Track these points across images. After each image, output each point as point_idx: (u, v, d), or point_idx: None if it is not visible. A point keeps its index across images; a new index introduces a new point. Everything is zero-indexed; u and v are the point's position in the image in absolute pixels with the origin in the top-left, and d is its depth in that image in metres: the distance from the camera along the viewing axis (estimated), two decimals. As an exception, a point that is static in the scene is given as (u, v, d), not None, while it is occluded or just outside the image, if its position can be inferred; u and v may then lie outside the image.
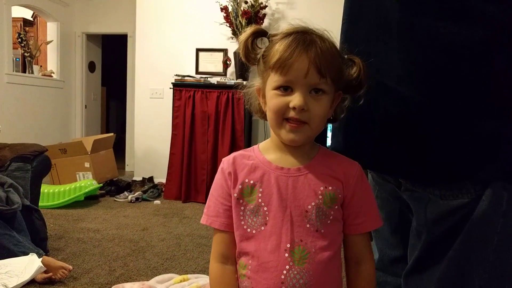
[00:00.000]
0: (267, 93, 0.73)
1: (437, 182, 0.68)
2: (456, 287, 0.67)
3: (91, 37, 5.53)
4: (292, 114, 0.69)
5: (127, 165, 5.09)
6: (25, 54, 4.69)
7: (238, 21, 3.66)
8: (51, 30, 5.09)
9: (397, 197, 0.82)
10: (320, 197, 0.73)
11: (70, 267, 1.87)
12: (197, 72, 3.96)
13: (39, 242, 2.06)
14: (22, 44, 4.62)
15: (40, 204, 2.56)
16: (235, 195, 0.75)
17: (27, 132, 4.46)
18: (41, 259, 1.78)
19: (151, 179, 3.99)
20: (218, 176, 0.79)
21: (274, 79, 0.70)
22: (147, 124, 4.20)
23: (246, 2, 3.67)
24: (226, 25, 3.76)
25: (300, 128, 0.70)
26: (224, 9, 3.71)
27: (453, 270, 0.67)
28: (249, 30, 0.74)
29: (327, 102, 0.71)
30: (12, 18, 4.43)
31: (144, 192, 3.63)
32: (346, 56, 0.74)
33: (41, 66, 5.05)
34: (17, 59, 4.75)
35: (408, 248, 0.83)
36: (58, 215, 2.98)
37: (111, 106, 7.24)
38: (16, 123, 4.40)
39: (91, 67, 5.68)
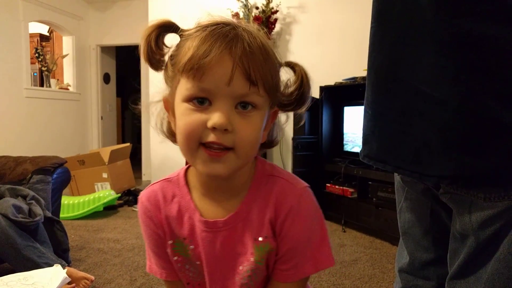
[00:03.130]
0: (177, 106, 0.54)
1: (484, 184, 0.64)
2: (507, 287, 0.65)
3: (105, 49, 5.62)
4: (211, 137, 0.51)
5: (144, 174, 5.13)
6: (42, 68, 4.80)
7: (250, 27, 3.67)
8: (67, 44, 5.20)
9: (429, 195, 0.79)
10: (251, 255, 0.60)
11: (92, 277, 1.88)
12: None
13: (61, 253, 2.08)
14: (40, 59, 4.72)
15: (60, 215, 2.59)
16: (168, 250, 0.63)
17: (46, 144, 4.54)
18: (65, 270, 1.80)
19: (168, 187, 4.02)
20: (144, 219, 0.64)
21: (185, 87, 0.52)
22: (163, 133, 4.23)
23: (257, 8, 3.68)
24: (238, 32, 3.78)
25: (222, 156, 0.52)
26: (236, 15, 3.73)
27: (502, 272, 0.64)
28: (152, 23, 0.56)
29: (259, 121, 0.54)
30: (29, 34, 4.54)
31: (162, 200, 3.66)
32: (283, 62, 0.58)
33: (58, 79, 5.15)
34: (35, 74, 4.86)
35: (439, 250, 0.83)
36: (78, 226, 3.01)
37: (126, 116, 7.34)
38: (36, 136, 4.48)
39: (106, 78, 5.77)
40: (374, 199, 2.71)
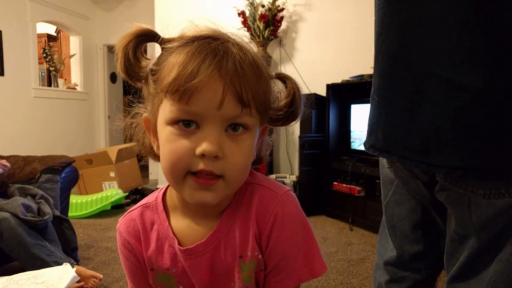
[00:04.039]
0: (160, 129, 0.49)
1: (498, 177, 0.60)
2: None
3: (111, 49, 5.60)
4: (200, 166, 0.47)
5: (151, 173, 5.16)
6: (50, 68, 4.83)
7: (256, 25, 3.66)
8: (74, 44, 5.23)
9: (421, 194, 0.78)
10: (238, 273, 0.56)
11: (101, 276, 1.89)
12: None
13: (70, 252, 2.10)
14: (47, 59, 4.76)
15: (69, 214, 2.61)
16: (150, 281, 0.60)
17: (54, 144, 4.58)
18: (74, 268, 1.81)
19: (175, 186, 4.03)
20: (124, 251, 0.60)
21: (169, 109, 0.47)
22: (169, 132, 4.24)
23: (263, 6, 3.67)
24: (244, 30, 3.77)
25: (212, 184, 0.48)
26: (242, 14, 3.72)
27: (506, 273, 0.62)
28: (130, 31, 0.50)
29: (251, 142, 0.50)
30: (37, 34, 4.57)
31: (169, 199, 3.66)
32: (273, 74, 0.54)
33: (65, 79, 5.19)
34: (43, 74, 4.90)
35: (429, 242, 0.83)
36: (86, 225, 3.03)
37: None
38: (44, 135, 4.52)
39: (113, 78, 5.79)
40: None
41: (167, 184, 0.58)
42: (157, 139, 0.51)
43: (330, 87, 3.10)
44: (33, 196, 2.07)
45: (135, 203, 2.68)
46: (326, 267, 0.58)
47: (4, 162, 2.14)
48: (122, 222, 0.61)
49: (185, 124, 0.47)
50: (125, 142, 5.93)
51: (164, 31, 0.54)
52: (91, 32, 5.37)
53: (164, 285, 0.59)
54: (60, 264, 1.83)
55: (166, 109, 0.47)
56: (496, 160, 0.59)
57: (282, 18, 3.71)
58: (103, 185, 3.81)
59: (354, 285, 1.93)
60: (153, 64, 0.50)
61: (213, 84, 0.45)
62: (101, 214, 3.32)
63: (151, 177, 5.12)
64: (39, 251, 1.85)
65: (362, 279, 2.01)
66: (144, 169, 4.90)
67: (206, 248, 0.55)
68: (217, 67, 0.45)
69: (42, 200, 2.05)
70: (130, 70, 0.51)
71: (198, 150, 0.46)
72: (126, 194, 3.65)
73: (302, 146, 3.22)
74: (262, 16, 3.62)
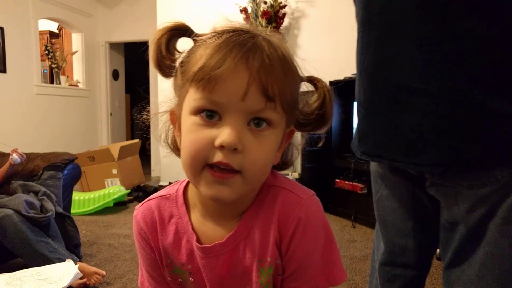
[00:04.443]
0: (184, 120, 0.49)
1: (473, 170, 0.67)
2: (499, 268, 0.67)
3: (113, 46, 5.65)
4: (218, 157, 0.45)
5: (153, 170, 5.16)
6: (52, 65, 4.84)
7: (258, 22, 3.65)
8: (76, 40, 5.23)
9: (412, 183, 0.83)
10: (257, 278, 0.54)
11: (104, 272, 1.89)
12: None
13: (73, 249, 2.11)
14: (49, 56, 4.76)
15: (71, 211, 2.62)
16: (166, 273, 0.59)
17: (57, 141, 4.59)
18: (77, 265, 1.82)
19: (177, 183, 4.03)
20: (139, 240, 0.59)
21: (193, 97, 0.47)
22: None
23: (265, 2, 3.66)
24: (246, 27, 3.76)
25: (228, 179, 0.46)
26: (244, 10, 3.71)
27: (494, 253, 0.67)
28: (164, 26, 0.50)
29: (274, 141, 0.49)
30: (39, 31, 4.57)
31: (171, 196, 3.67)
32: (304, 77, 0.53)
33: (67, 76, 5.19)
34: (45, 71, 4.90)
35: (419, 236, 0.87)
36: (89, 222, 3.04)
37: (135, 112, 7.37)
38: (46, 132, 4.53)
39: (115, 75, 5.79)
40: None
41: (186, 180, 0.58)
42: (181, 133, 0.51)
43: (332, 84, 3.07)
44: (36, 193, 2.08)
45: (138, 200, 2.70)
46: (345, 275, 0.57)
47: (20, 152, 2.16)
48: (139, 210, 0.59)
49: (208, 115, 0.46)
50: (127, 139, 5.95)
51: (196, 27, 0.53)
52: (93, 29, 5.36)
53: (178, 276, 0.59)
54: (63, 260, 1.83)
55: (191, 98, 0.47)
56: (472, 154, 0.66)
57: (284, 14, 3.69)
58: (106, 182, 3.82)
59: (357, 282, 1.93)
60: (184, 56, 0.51)
61: (238, 75, 0.44)
62: (104, 211, 3.33)
63: (153, 174, 5.13)
64: (42, 248, 1.86)
65: (365, 276, 2.00)
66: (147, 166, 4.90)
67: (224, 249, 0.54)
68: (243, 58, 0.45)
69: (44, 197, 2.06)
70: (162, 63, 0.51)
71: (217, 141, 0.45)
72: (129, 191, 3.65)
73: (304, 143, 3.22)
74: (264, 13, 3.61)
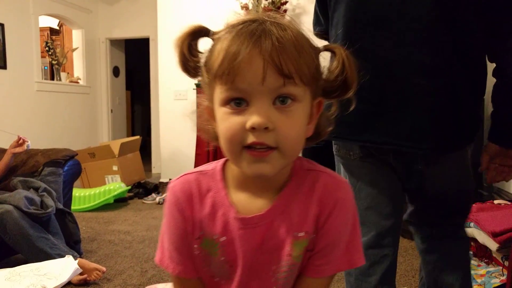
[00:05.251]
0: (216, 112, 0.54)
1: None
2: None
3: (114, 42, 5.63)
4: (252, 138, 0.50)
5: (154, 167, 5.16)
6: (53, 62, 4.83)
7: (259, 19, 3.64)
8: (76, 37, 5.22)
9: (388, 166, 0.98)
10: (290, 251, 0.58)
11: (104, 268, 1.89)
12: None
13: (73, 245, 2.11)
14: (50, 53, 4.75)
15: (72, 207, 2.62)
16: (195, 246, 0.61)
17: (57, 137, 4.59)
18: (77, 261, 1.82)
19: (177, 180, 4.02)
20: (173, 211, 0.60)
21: (220, 91, 0.52)
22: (172, 126, 4.23)
23: (266, -1, 3.64)
24: (247, 23, 3.75)
25: (267, 156, 0.51)
26: (245, 7, 3.70)
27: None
28: (184, 31, 0.55)
29: (302, 114, 0.53)
30: (40, 27, 4.56)
31: (172, 193, 3.66)
32: (321, 46, 0.56)
33: (68, 73, 5.19)
34: (45, 67, 4.89)
35: (397, 216, 1.02)
36: (89, 218, 3.04)
37: (136, 109, 7.38)
38: (46, 129, 4.53)
39: (116, 71, 5.79)
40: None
41: (223, 160, 0.62)
42: (216, 123, 0.56)
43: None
44: (36, 189, 2.08)
45: (138, 197, 2.70)
46: (364, 260, 0.62)
47: (22, 137, 2.17)
48: (176, 182, 0.62)
49: (236, 103, 0.51)
50: (128, 136, 5.96)
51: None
52: (94, 25, 5.35)
53: (208, 252, 0.61)
54: (63, 256, 1.83)
55: (218, 92, 0.52)
56: (455, 138, 0.91)
57: (285, 11, 3.68)
58: (106, 178, 3.82)
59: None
60: (206, 57, 0.55)
61: (253, 62, 0.48)
62: (104, 207, 3.33)
63: (154, 170, 5.13)
64: (43, 244, 1.86)
65: (365, 273, 2.00)
66: (147, 162, 4.91)
67: (262, 221, 0.58)
68: (255, 45, 0.48)
69: (45, 193, 2.06)
70: (188, 66, 0.56)
71: (248, 124, 0.49)
72: (129, 187, 3.66)
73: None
74: (265, 10, 3.59)
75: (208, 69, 0.54)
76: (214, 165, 0.62)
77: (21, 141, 2.15)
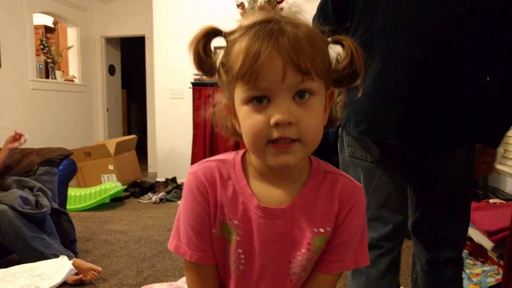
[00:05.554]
0: (238, 110, 0.56)
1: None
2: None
3: (109, 41, 5.60)
4: (276, 134, 0.52)
5: (150, 166, 5.15)
6: (48, 60, 4.79)
7: (255, 17, 3.63)
8: (71, 35, 5.18)
9: (399, 166, 1.07)
10: (309, 245, 0.61)
11: (100, 268, 1.88)
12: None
13: (69, 245, 2.09)
14: (45, 51, 4.71)
15: (67, 207, 2.60)
16: (214, 231, 0.62)
17: (52, 136, 4.55)
18: (71, 261, 1.80)
19: (174, 179, 4.01)
20: (195, 194, 0.61)
21: (242, 90, 0.54)
22: (168, 125, 4.22)
23: (262, -2, 3.64)
24: (243, 22, 3.74)
25: (290, 148, 0.54)
26: (241, 5, 3.69)
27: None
28: (198, 32, 0.56)
29: (319, 106, 0.56)
30: (34, 25, 4.53)
31: (168, 192, 3.65)
32: (330, 39, 0.59)
33: (63, 71, 5.15)
34: (40, 66, 4.86)
35: (405, 212, 1.12)
36: (85, 218, 3.02)
37: (132, 108, 7.34)
38: (41, 128, 4.50)
39: (111, 70, 5.75)
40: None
41: (241, 150, 0.64)
42: (238, 120, 0.58)
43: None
44: (31, 189, 2.06)
45: (134, 196, 2.68)
46: (368, 261, 0.66)
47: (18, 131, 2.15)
48: (199, 167, 0.63)
49: (258, 100, 0.53)
50: (124, 135, 5.93)
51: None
52: (89, 23, 5.32)
53: (226, 238, 0.62)
54: (58, 256, 1.82)
55: (240, 91, 0.54)
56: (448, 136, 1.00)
57: (281, 9, 3.67)
58: (102, 178, 3.80)
59: (343, 277, 1.93)
60: (222, 57, 0.57)
61: (274, 62, 0.51)
62: (100, 207, 3.31)
63: (150, 170, 5.11)
64: (37, 244, 1.84)
65: (361, 272, 2.00)
66: (143, 162, 4.89)
67: (283, 214, 0.60)
68: (274, 46, 0.51)
69: (39, 193, 2.04)
70: (204, 66, 0.57)
71: (272, 121, 0.52)
72: (125, 187, 3.64)
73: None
74: (261, 8, 3.58)
75: (227, 69, 0.55)
76: (233, 155, 0.64)
77: (17, 136, 2.13)
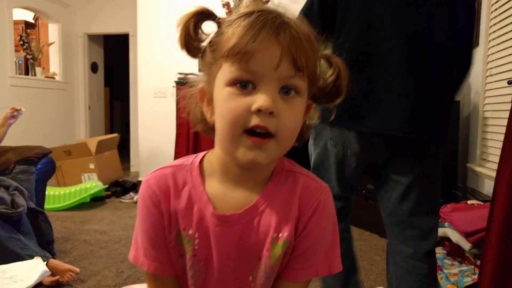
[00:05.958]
0: (218, 92, 0.53)
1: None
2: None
3: (92, 38, 5.51)
4: (255, 121, 0.50)
5: (132, 165, 5.08)
6: (28, 56, 4.68)
7: (240, 17, 3.62)
8: (53, 31, 5.07)
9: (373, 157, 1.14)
10: (267, 252, 0.57)
11: (77, 269, 1.84)
12: (200, 69, 3.92)
13: (46, 245, 2.04)
14: (24, 47, 4.60)
15: (45, 206, 2.54)
16: (171, 242, 0.59)
17: (31, 134, 4.44)
18: (45, 262, 1.76)
19: (156, 179, 3.97)
20: (148, 205, 0.58)
21: (229, 70, 0.51)
22: (151, 124, 4.17)
23: (248, -2, 3.63)
24: (229, 22, 3.72)
25: (265, 144, 0.51)
26: (226, 5, 3.67)
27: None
28: (192, 10, 0.55)
29: (301, 108, 0.54)
30: (14, 21, 4.41)
31: (150, 192, 3.60)
32: (322, 53, 0.58)
33: (43, 68, 5.04)
34: (20, 62, 4.74)
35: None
36: (64, 217, 2.96)
37: (115, 106, 7.24)
38: (20, 125, 4.37)
39: (94, 68, 5.66)
40: (363, 191, 2.72)
41: (202, 153, 0.62)
42: (212, 108, 0.55)
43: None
44: (7, 188, 2.00)
45: (116, 196, 2.63)
46: (341, 266, 0.62)
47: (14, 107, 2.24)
48: (152, 175, 0.60)
49: (243, 85, 0.51)
50: (106, 134, 5.83)
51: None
52: (71, 20, 5.21)
53: (182, 246, 0.59)
54: (34, 257, 1.77)
55: (226, 71, 0.52)
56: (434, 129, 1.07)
57: (267, 10, 3.67)
58: (82, 177, 3.73)
59: (334, 278, 1.94)
60: (212, 37, 0.55)
61: (271, 48, 0.49)
62: (80, 206, 3.25)
63: (132, 169, 5.04)
64: (13, 245, 1.79)
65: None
66: (125, 161, 4.82)
67: (240, 220, 0.57)
68: (275, 33, 0.50)
69: (16, 192, 1.99)
70: (189, 44, 0.55)
71: (255, 106, 0.49)
72: (106, 186, 3.58)
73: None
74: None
75: (216, 49, 0.53)
76: (193, 159, 0.61)
77: (15, 111, 2.21)
